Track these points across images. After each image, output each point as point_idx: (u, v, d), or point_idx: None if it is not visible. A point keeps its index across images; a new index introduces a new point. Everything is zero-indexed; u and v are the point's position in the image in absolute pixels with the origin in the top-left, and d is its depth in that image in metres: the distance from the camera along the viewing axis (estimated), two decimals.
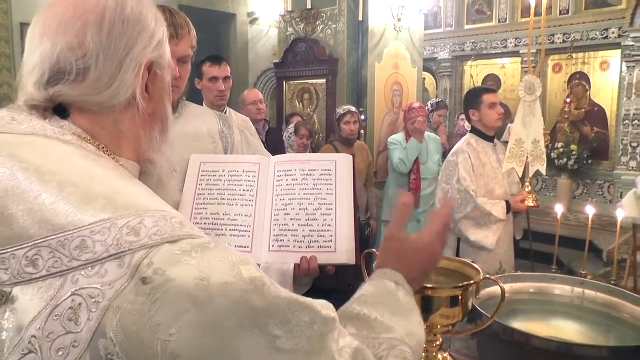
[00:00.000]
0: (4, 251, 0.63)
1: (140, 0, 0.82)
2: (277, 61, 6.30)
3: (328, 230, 1.27)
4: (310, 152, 4.64)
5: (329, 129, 5.63)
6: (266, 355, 0.58)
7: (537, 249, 3.57)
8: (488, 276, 1.33)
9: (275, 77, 6.75)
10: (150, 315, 0.58)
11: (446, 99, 9.42)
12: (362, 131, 5.20)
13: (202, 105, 2.94)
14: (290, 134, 4.69)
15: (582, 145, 8.01)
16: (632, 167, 7.48)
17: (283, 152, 4.41)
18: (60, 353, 0.59)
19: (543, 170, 3.01)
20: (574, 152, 7.83)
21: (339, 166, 1.35)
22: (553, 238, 6.05)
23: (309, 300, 0.65)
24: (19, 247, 0.63)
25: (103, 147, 0.78)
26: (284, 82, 6.17)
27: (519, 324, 1.73)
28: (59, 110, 0.78)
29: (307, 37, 5.80)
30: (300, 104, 6.01)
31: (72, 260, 0.61)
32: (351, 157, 1.39)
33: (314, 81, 5.83)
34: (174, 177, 1.28)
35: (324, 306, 0.67)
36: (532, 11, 3.14)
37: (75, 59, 0.75)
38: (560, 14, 8.20)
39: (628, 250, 2.90)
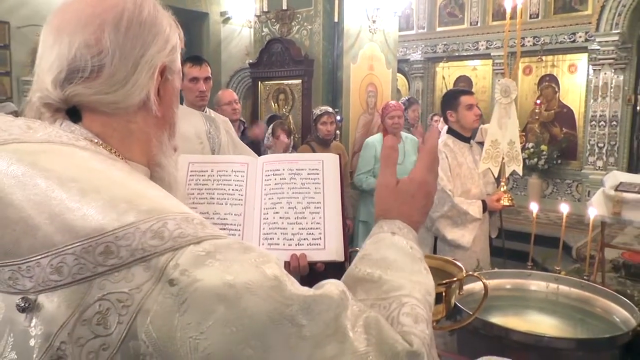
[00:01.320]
0: (29, 259, 0.63)
1: (156, 6, 0.84)
2: (253, 61, 6.28)
3: (317, 228, 1.30)
4: (291, 152, 4.65)
5: (305, 129, 5.65)
6: (294, 344, 0.61)
7: (509, 246, 3.66)
8: (471, 273, 1.37)
9: (249, 77, 6.73)
10: (179, 315, 0.60)
11: (418, 100, 9.54)
12: (337, 131, 5.24)
13: (182, 105, 2.94)
14: (269, 134, 4.71)
15: (552, 145, 8.22)
16: (599, 167, 7.72)
17: (258, 152, 4.41)
18: (91, 356, 0.61)
19: (519, 171, 3.10)
20: (544, 152, 8.02)
21: (326, 165, 1.38)
22: (524, 236, 6.21)
23: (325, 287, 0.68)
24: (43, 255, 0.63)
25: (114, 151, 0.79)
26: (259, 83, 6.16)
27: (497, 319, 1.78)
28: (71, 112, 0.78)
29: (283, 37, 5.81)
30: (276, 104, 6.01)
31: (97, 266, 0.62)
32: (337, 156, 1.42)
33: (290, 81, 5.84)
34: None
35: (333, 284, 0.69)
36: (508, 15, 3.22)
37: (91, 56, 0.75)
38: (530, 17, 8.39)
39: (596, 246, 2.99)
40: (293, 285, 0.65)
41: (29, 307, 0.64)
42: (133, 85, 0.78)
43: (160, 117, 0.84)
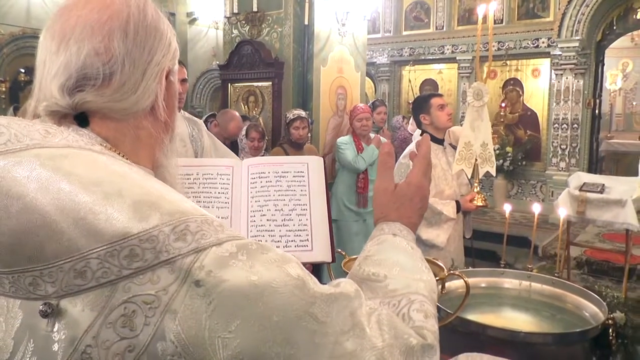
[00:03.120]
0: (52, 264, 0.63)
1: (156, 9, 0.84)
2: (222, 63, 6.24)
3: (304, 230, 1.31)
4: (263, 154, 4.65)
5: (275, 131, 5.64)
6: (318, 341, 0.63)
7: (476, 246, 3.75)
8: (453, 272, 1.41)
9: (216, 78, 6.66)
10: (207, 315, 0.61)
11: (385, 102, 9.64)
12: (309, 134, 5.26)
13: None
14: (242, 136, 4.70)
15: (517, 147, 8.42)
16: (562, 168, 7.96)
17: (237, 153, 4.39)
18: (117, 358, 0.61)
19: (493, 172, 3.18)
20: (509, 154, 8.21)
21: (311, 167, 1.39)
22: (491, 235, 6.34)
23: (341, 285, 0.70)
24: (67, 260, 0.63)
25: (124, 156, 0.79)
26: (229, 84, 6.13)
27: (473, 316, 1.83)
28: (79, 118, 0.78)
29: (253, 39, 5.80)
30: (246, 106, 5.98)
31: (122, 269, 0.62)
32: (322, 159, 1.44)
33: (260, 84, 5.82)
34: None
35: (348, 282, 0.72)
36: (480, 21, 3.30)
37: (102, 64, 0.75)
38: (495, 23, 8.57)
39: (561, 245, 3.10)
40: (315, 284, 0.67)
41: (51, 313, 0.64)
42: (143, 91, 0.79)
43: (165, 121, 0.85)
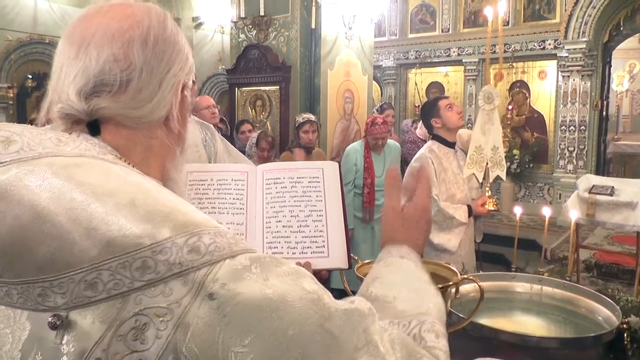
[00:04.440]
0: (63, 275, 0.62)
1: (175, 24, 0.85)
2: (229, 67, 6.26)
3: (320, 236, 1.31)
4: (273, 160, 4.64)
5: (283, 135, 5.66)
6: (331, 355, 0.62)
7: (483, 249, 3.74)
8: (466, 276, 1.41)
9: (222, 82, 6.67)
10: (220, 329, 0.60)
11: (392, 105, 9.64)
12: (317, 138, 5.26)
13: None
14: (252, 144, 4.69)
15: (524, 149, 8.39)
16: (569, 170, 7.93)
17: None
18: None
19: (503, 176, 3.17)
20: (516, 156, 8.19)
21: (327, 173, 1.39)
22: (498, 238, 6.30)
23: (356, 302, 0.69)
24: (78, 271, 0.62)
25: (134, 166, 0.78)
26: (236, 89, 6.14)
27: (485, 320, 1.82)
28: (91, 126, 0.78)
29: (260, 43, 5.82)
30: (253, 110, 6.00)
31: (134, 281, 0.62)
32: (337, 164, 1.44)
33: (267, 88, 5.84)
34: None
35: (362, 300, 0.71)
36: (490, 23, 3.30)
37: (120, 70, 0.76)
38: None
39: (570, 247, 3.09)
40: (330, 299, 0.66)
41: (61, 324, 0.63)
42: (158, 100, 0.79)
43: (178, 132, 0.86)
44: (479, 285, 1.41)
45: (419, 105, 7.02)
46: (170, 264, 0.62)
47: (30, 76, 7.49)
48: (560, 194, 7.81)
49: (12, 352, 0.69)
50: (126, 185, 0.68)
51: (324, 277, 1.31)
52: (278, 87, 5.72)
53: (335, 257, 1.30)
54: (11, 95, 7.32)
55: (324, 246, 1.31)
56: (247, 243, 0.69)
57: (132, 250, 0.62)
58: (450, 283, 1.41)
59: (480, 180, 3.32)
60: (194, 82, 0.92)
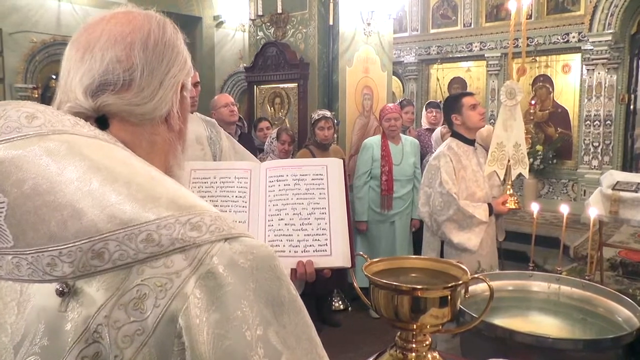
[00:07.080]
0: (72, 244, 0.66)
1: (175, 28, 0.91)
2: (248, 65, 6.28)
3: (323, 234, 1.29)
4: (291, 158, 4.66)
5: (301, 133, 5.64)
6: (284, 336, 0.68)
7: (505, 247, 3.67)
8: (476, 275, 1.37)
9: (242, 81, 6.70)
10: (209, 312, 0.64)
11: (413, 101, 9.56)
12: (335, 135, 5.24)
13: None
14: (272, 139, 4.71)
15: (547, 145, 8.23)
16: (594, 166, 7.75)
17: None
18: (126, 340, 0.64)
19: (525, 173, 3.10)
20: (540, 152, 8.04)
21: (330, 170, 1.37)
22: (521, 236, 6.22)
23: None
24: (86, 240, 0.66)
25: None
26: (255, 86, 6.15)
27: (500, 320, 1.79)
28: (100, 121, 0.83)
29: (278, 41, 5.81)
30: (272, 108, 6.00)
31: (138, 253, 0.66)
32: (342, 161, 1.41)
33: (285, 85, 5.83)
34: None
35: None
36: (513, 17, 3.23)
37: (123, 70, 0.81)
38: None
39: (594, 245, 3.01)
40: (304, 311, 0.73)
41: (68, 292, 0.67)
42: (160, 99, 0.85)
43: (179, 129, 0.91)
44: (488, 285, 1.37)
45: (440, 101, 6.96)
46: (173, 239, 0.67)
47: (54, 77, 7.59)
48: (584, 191, 7.64)
49: (18, 323, 0.72)
50: (134, 167, 0.74)
51: (326, 275, 1.29)
52: (296, 84, 5.71)
53: (338, 256, 1.28)
54: (36, 95, 7.45)
55: (326, 244, 1.29)
56: (245, 228, 0.77)
57: (138, 223, 0.67)
58: (460, 282, 1.38)
59: (502, 178, 3.26)
60: (196, 84, 0.97)
